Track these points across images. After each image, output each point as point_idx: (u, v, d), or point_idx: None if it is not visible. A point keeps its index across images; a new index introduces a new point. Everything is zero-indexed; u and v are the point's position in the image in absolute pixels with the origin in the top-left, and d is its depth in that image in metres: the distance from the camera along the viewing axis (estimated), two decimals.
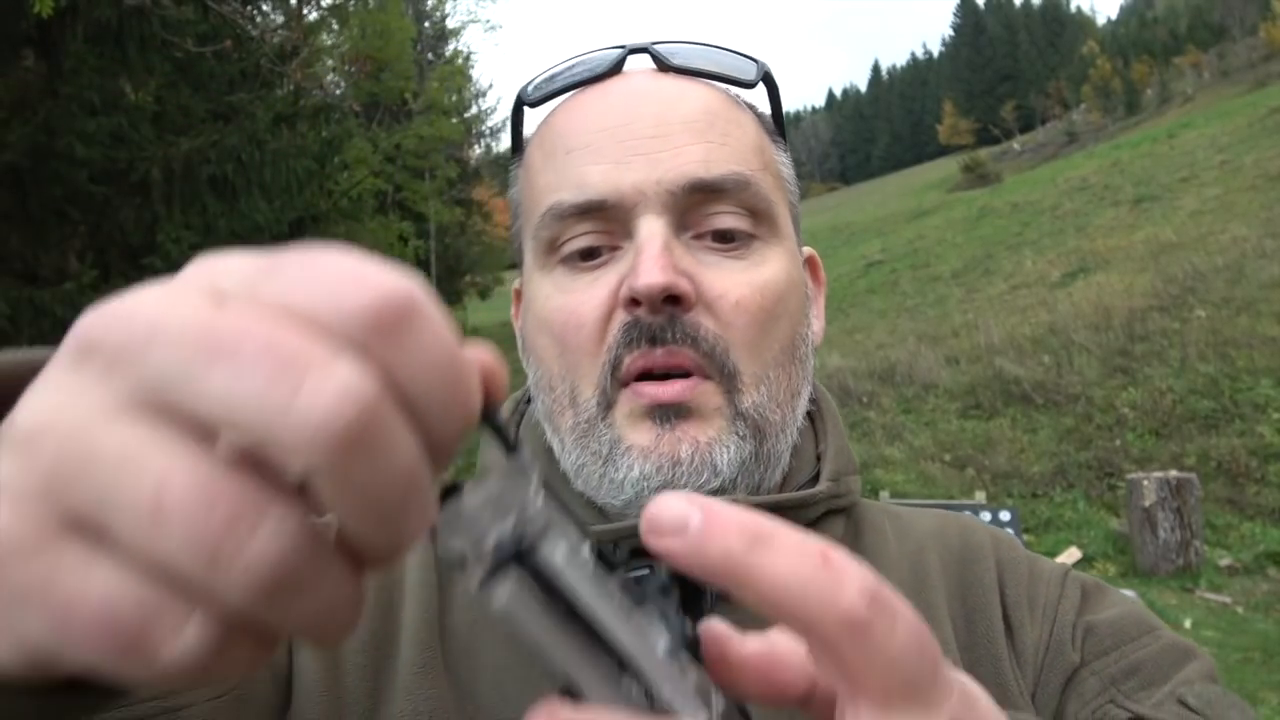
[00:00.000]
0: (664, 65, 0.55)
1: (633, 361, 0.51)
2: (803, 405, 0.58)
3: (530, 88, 0.58)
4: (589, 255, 0.53)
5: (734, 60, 0.57)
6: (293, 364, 0.18)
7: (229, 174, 8.87)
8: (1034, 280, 17.33)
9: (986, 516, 6.29)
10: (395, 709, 0.50)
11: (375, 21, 19.53)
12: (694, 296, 0.50)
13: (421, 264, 24.75)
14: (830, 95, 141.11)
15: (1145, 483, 6.38)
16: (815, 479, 0.59)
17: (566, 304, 0.53)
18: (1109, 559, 6.78)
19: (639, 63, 0.56)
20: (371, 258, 0.21)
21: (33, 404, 0.19)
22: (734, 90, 0.58)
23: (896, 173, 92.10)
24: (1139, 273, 13.73)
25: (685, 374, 0.51)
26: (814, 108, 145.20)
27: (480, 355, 0.23)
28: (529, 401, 0.64)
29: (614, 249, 0.52)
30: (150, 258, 7.87)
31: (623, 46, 0.57)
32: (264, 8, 14.40)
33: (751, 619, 0.50)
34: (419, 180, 24.84)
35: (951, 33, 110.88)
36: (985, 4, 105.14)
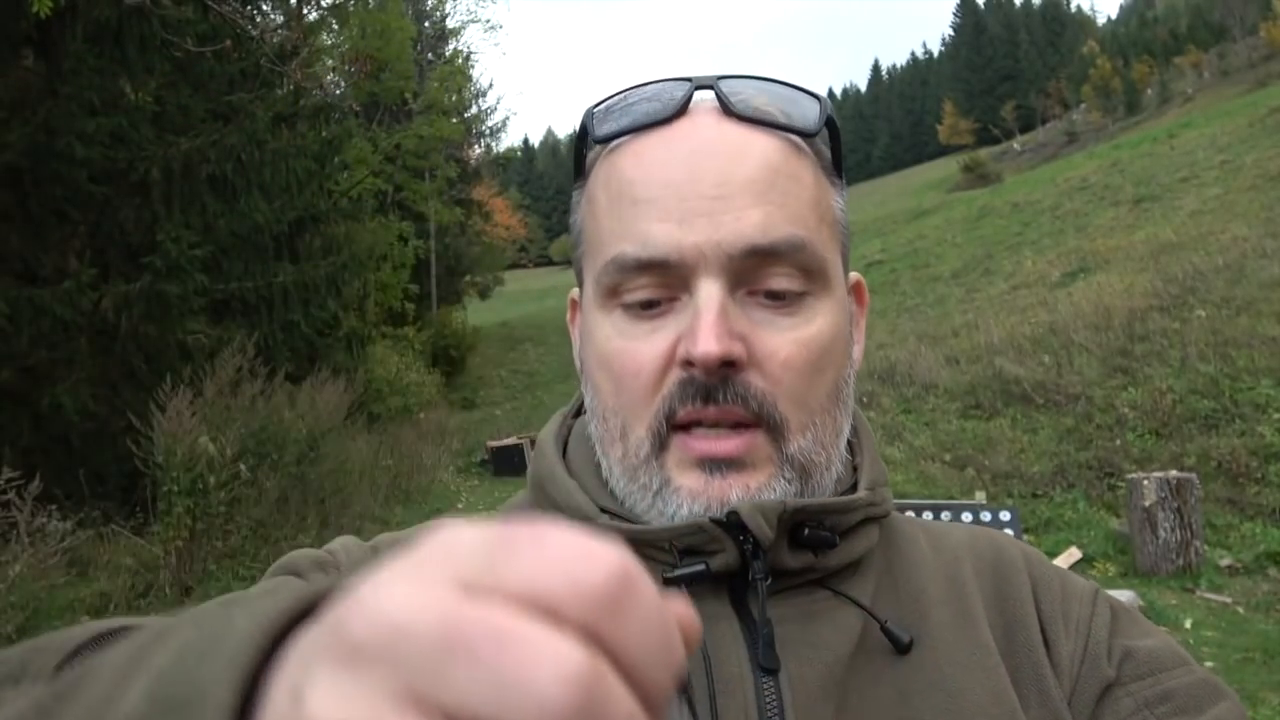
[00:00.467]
0: (728, 110, 0.56)
1: (686, 414, 0.54)
2: (844, 440, 0.60)
3: (597, 120, 0.59)
4: (648, 305, 0.55)
5: (798, 105, 0.58)
6: (530, 654, 0.21)
7: (229, 174, 8.88)
8: (1034, 280, 17.33)
9: (986, 516, 6.28)
10: None
11: (375, 21, 19.52)
12: (746, 359, 0.53)
13: (421, 264, 24.76)
14: (830, 95, 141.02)
15: (1145, 483, 6.37)
16: (853, 488, 0.61)
17: (625, 349, 0.56)
18: (1109, 559, 6.77)
19: (703, 98, 0.57)
20: (583, 532, 0.24)
21: (320, 700, 0.21)
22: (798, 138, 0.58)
23: (896, 173, 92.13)
24: (1139, 273, 13.73)
25: (734, 424, 0.54)
26: None
27: (679, 610, 0.25)
28: (576, 415, 0.68)
29: (672, 300, 0.55)
30: (150, 257, 7.86)
31: (689, 80, 0.57)
32: (264, 8, 14.40)
33: (803, 610, 0.56)
34: (419, 180, 24.82)
35: (951, 33, 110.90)
36: (985, 4, 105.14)
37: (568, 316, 0.68)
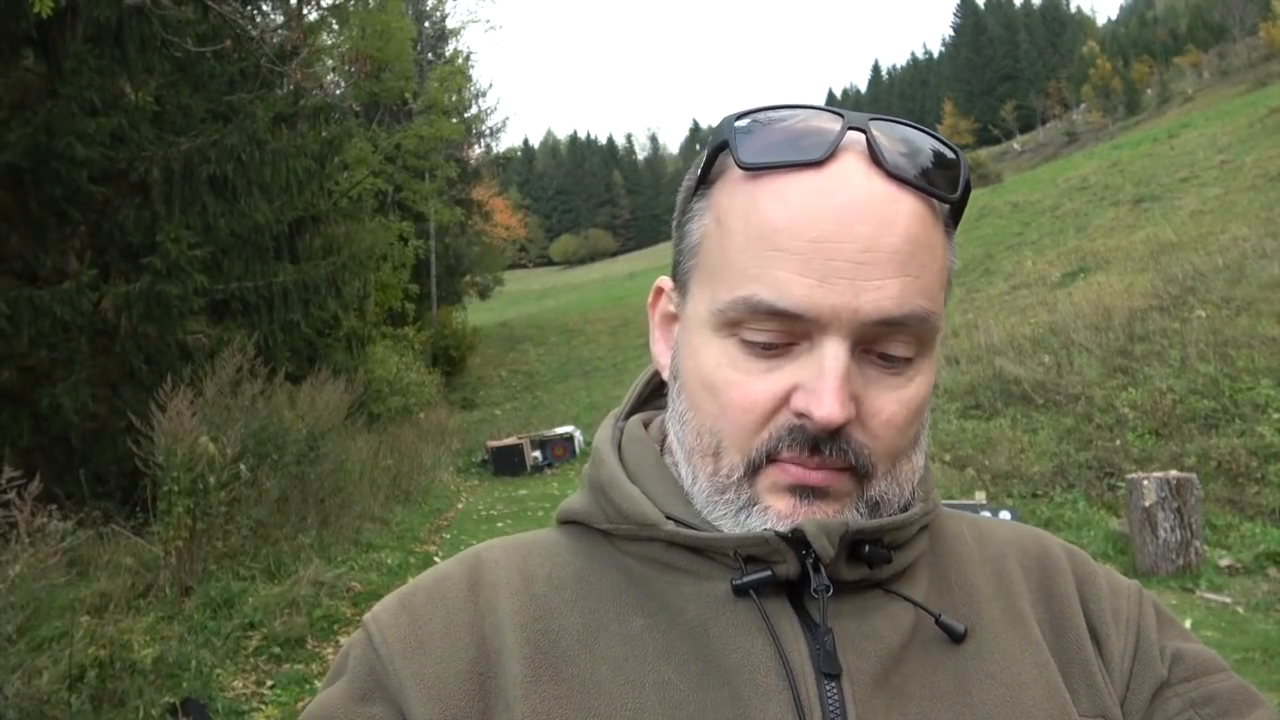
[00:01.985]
0: (878, 162, 0.56)
1: (788, 457, 0.56)
2: (918, 474, 0.62)
3: (739, 139, 0.58)
4: (768, 346, 0.56)
5: (945, 165, 0.58)
6: None
7: (229, 174, 8.87)
8: (1034, 280, 17.33)
9: (986, 517, 6.29)
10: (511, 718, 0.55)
11: (375, 21, 19.51)
12: (855, 418, 0.55)
13: (421, 264, 24.75)
14: (830, 95, 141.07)
15: (1145, 483, 6.37)
16: (910, 501, 0.63)
17: (739, 383, 0.57)
18: (1109, 559, 6.77)
19: (853, 139, 0.56)
20: None
21: None
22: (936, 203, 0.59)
23: None
24: (1139, 273, 13.73)
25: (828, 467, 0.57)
26: None
27: None
28: (628, 416, 0.70)
29: (790, 345, 0.56)
30: (150, 257, 7.86)
31: (840, 116, 0.57)
32: (264, 8, 14.41)
33: (857, 606, 0.59)
34: (419, 180, 24.83)
35: (951, 33, 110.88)
36: (985, 4, 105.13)
37: (649, 300, 0.68)
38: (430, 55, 28.57)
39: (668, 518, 0.60)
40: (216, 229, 9.16)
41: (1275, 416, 7.99)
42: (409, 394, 17.31)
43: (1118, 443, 8.53)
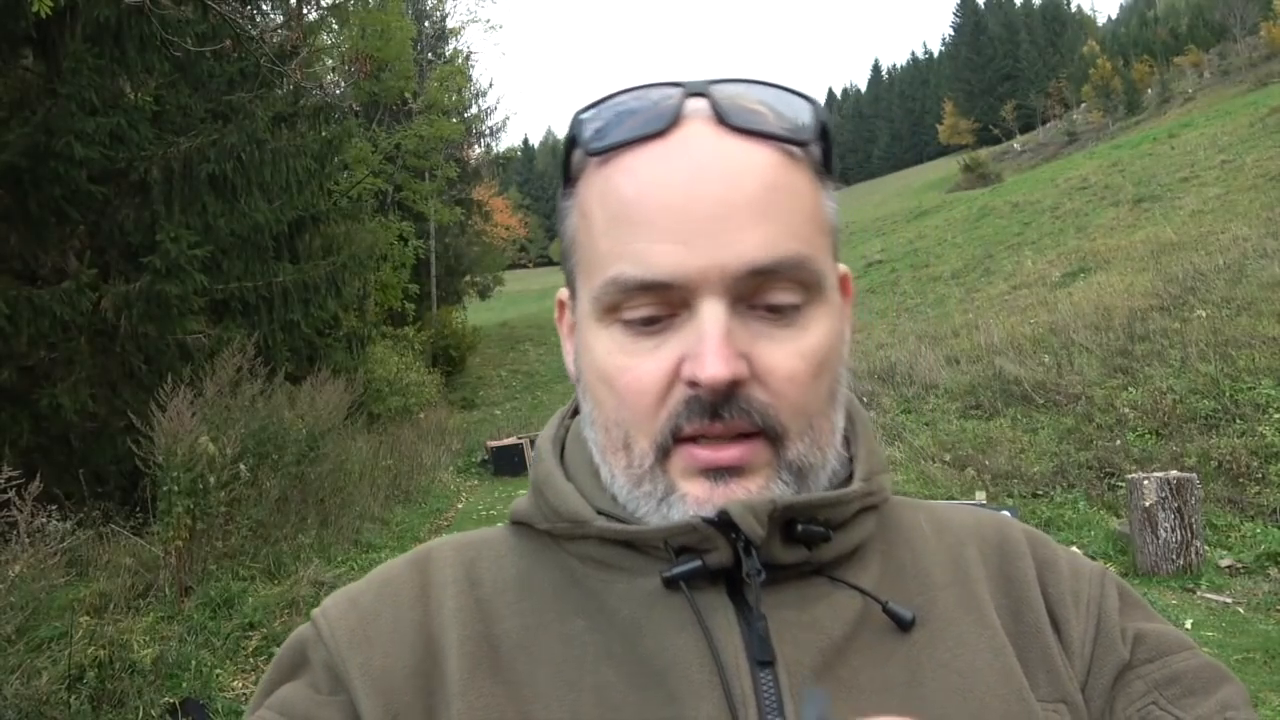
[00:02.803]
0: (723, 121, 0.55)
1: (692, 430, 0.54)
2: (839, 436, 0.61)
3: (585, 128, 0.58)
4: (648, 321, 0.55)
5: (793, 110, 0.57)
6: None
7: (229, 173, 8.86)
8: (1034, 280, 17.32)
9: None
10: (449, 718, 0.55)
11: (375, 21, 19.52)
12: (749, 376, 0.54)
13: (421, 264, 24.75)
14: (830, 95, 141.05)
15: (1145, 483, 6.36)
16: (849, 479, 0.62)
17: (628, 366, 0.56)
18: (1109, 559, 6.77)
19: (696, 106, 0.56)
20: None
21: None
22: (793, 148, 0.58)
23: (896, 173, 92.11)
24: (1139, 273, 13.72)
25: (736, 435, 0.55)
26: None
27: None
28: (574, 415, 0.68)
29: (672, 316, 0.55)
30: (150, 257, 7.86)
31: (679, 85, 0.57)
32: (264, 7, 14.40)
33: (799, 595, 0.58)
34: (419, 180, 24.82)
35: (951, 32, 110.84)
36: (985, 4, 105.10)
37: (556, 316, 0.68)
38: (430, 55, 28.55)
39: (599, 513, 0.59)
40: (216, 229, 9.16)
41: (1276, 416, 7.98)
42: (409, 394, 17.32)
43: (1118, 443, 8.52)
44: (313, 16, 16.87)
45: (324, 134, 11.84)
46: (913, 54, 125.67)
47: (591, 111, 0.58)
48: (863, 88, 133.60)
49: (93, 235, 8.39)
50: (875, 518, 0.62)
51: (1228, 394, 8.48)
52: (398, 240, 20.96)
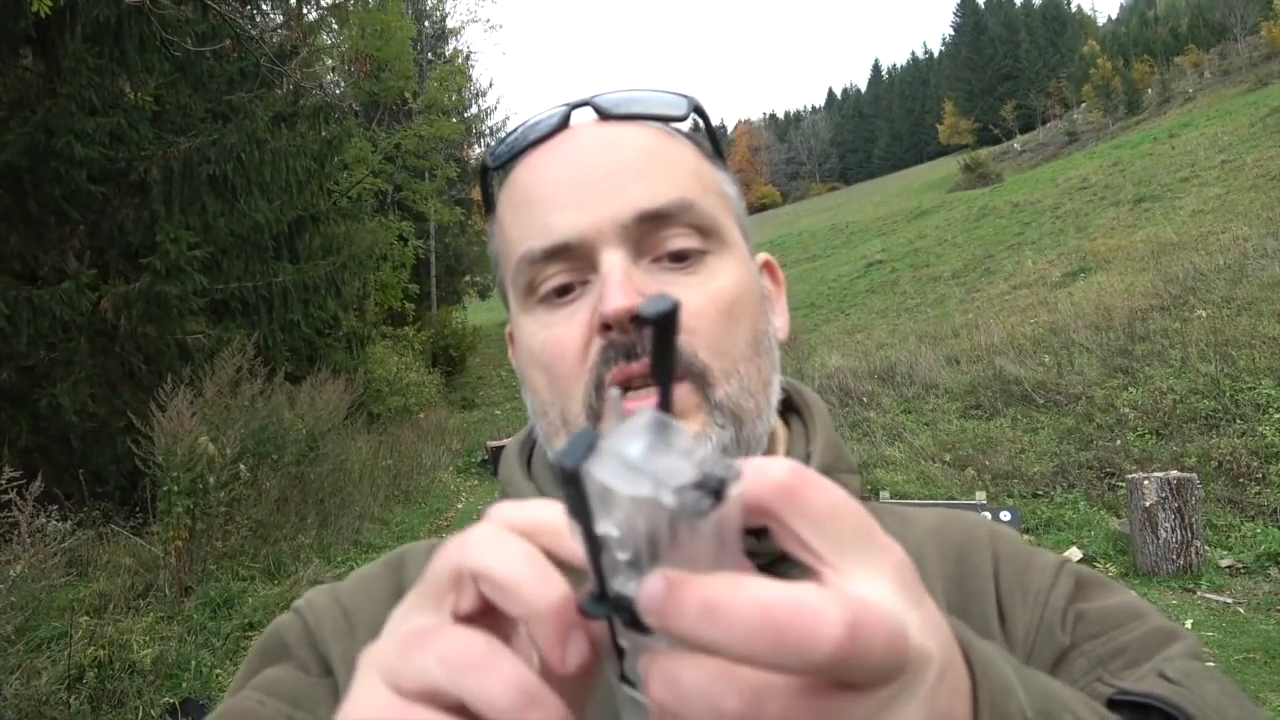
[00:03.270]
0: (603, 114, 0.61)
1: (612, 377, 0.56)
2: (775, 393, 0.62)
3: (492, 156, 0.64)
4: (563, 292, 0.59)
5: (665, 99, 0.63)
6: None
7: (228, 173, 8.86)
8: (1034, 280, 17.32)
9: (987, 516, 6.28)
10: None
11: (375, 21, 19.52)
12: None
13: (421, 264, 24.75)
14: (830, 95, 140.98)
15: (1146, 483, 6.36)
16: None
17: (550, 337, 0.59)
18: (1110, 559, 6.77)
19: (583, 116, 0.62)
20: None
21: None
22: (670, 126, 0.64)
23: (896, 173, 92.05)
24: (1139, 273, 13.72)
25: None
26: (814, 108, 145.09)
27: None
28: (535, 444, 0.71)
29: (584, 283, 0.58)
30: (150, 258, 7.86)
31: (567, 104, 0.63)
32: (264, 7, 14.39)
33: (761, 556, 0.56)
34: (419, 180, 24.81)
35: (952, 32, 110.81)
36: (985, 4, 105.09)
37: (509, 353, 0.71)
38: (430, 55, 28.55)
39: None
40: (216, 229, 9.15)
41: (1276, 416, 7.98)
42: (409, 394, 17.31)
43: (1118, 443, 8.52)
44: (313, 16, 16.86)
45: (324, 134, 11.84)
46: (913, 54, 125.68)
47: (496, 143, 0.65)
48: (863, 88, 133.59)
49: (93, 235, 8.38)
50: None
51: (1228, 394, 8.48)
52: (398, 240, 20.95)
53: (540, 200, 0.59)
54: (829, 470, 0.62)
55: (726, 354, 0.58)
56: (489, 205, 0.67)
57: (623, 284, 0.55)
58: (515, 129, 0.64)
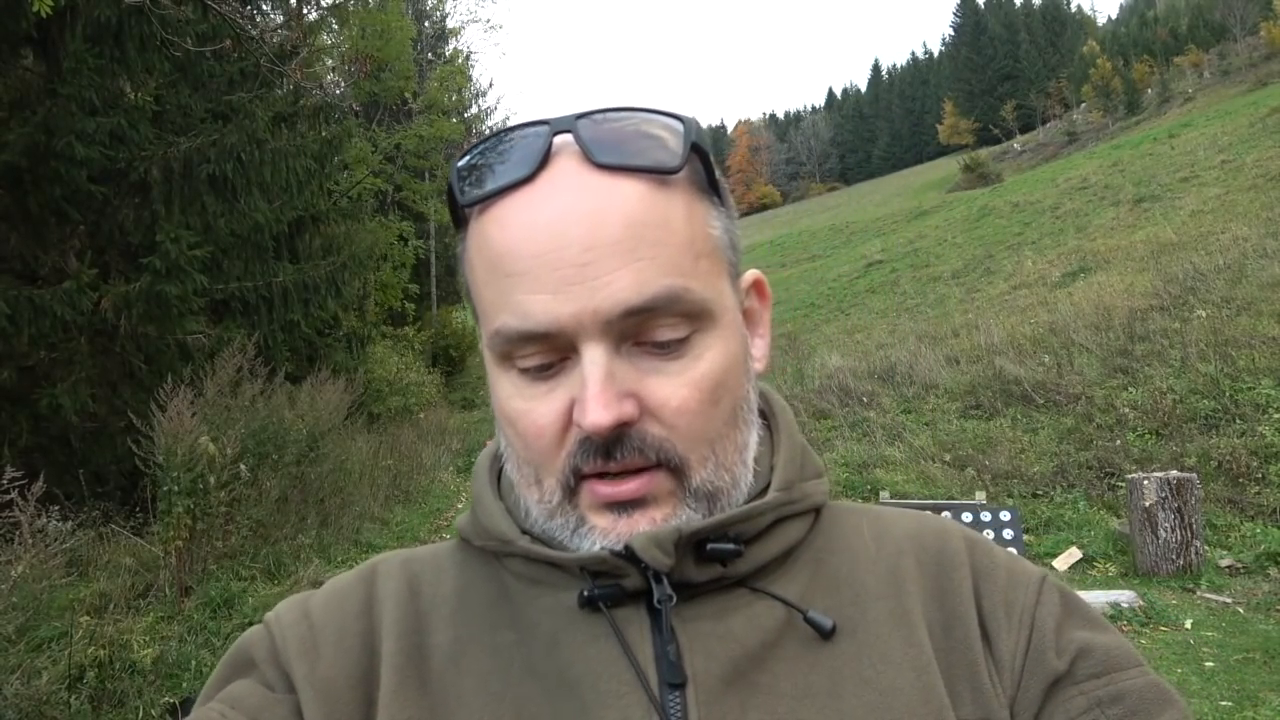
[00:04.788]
0: (590, 159, 0.55)
1: (589, 469, 0.55)
2: (750, 452, 0.61)
3: (460, 179, 0.59)
4: (541, 368, 0.56)
5: (660, 135, 0.57)
6: None
7: (229, 173, 8.86)
8: (1034, 280, 17.33)
9: (987, 517, 6.28)
10: None
11: (375, 21, 19.51)
12: (638, 414, 0.54)
13: (421, 264, 24.75)
14: (830, 95, 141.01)
15: (1145, 483, 6.37)
16: (768, 489, 0.62)
17: (526, 412, 0.57)
18: (1109, 559, 6.77)
19: (564, 143, 0.56)
20: None
21: None
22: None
23: (896, 173, 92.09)
24: (1139, 273, 13.73)
25: (637, 469, 0.56)
26: (814, 108, 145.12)
27: None
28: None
29: (563, 360, 0.56)
30: (150, 258, 7.86)
31: (545, 124, 0.57)
32: (264, 7, 14.40)
33: (718, 607, 0.58)
34: (419, 180, 24.81)
35: (951, 32, 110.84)
36: (985, 4, 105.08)
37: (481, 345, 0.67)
38: (430, 55, 28.56)
39: (525, 533, 0.61)
40: (216, 229, 9.16)
41: (1276, 416, 7.98)
42: (409, 394, 17.31)
43: (1118, 443, 8.52)
44: (313, 16, 16.86)
45: (324, 134, 11.83)
46: (913, 54, 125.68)
47: (465, 160, 0.60)
48: (863, 88, 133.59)
49: (93, 235, 8.38)
50: (803, 525, 0.63)
51: (1228, 394, 8.49)
52: (398, 240, 20.95)
53: (516, 274, 0.54)
54: (790, 483, 0.62)
55: (705, 439, 0.56)
56: (458, 222, 0.62)
57: (603, 394, 0.52)
58: (484, 147, 0.59)
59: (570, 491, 0.57)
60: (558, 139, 0.56)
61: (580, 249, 0.53)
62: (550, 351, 0.55)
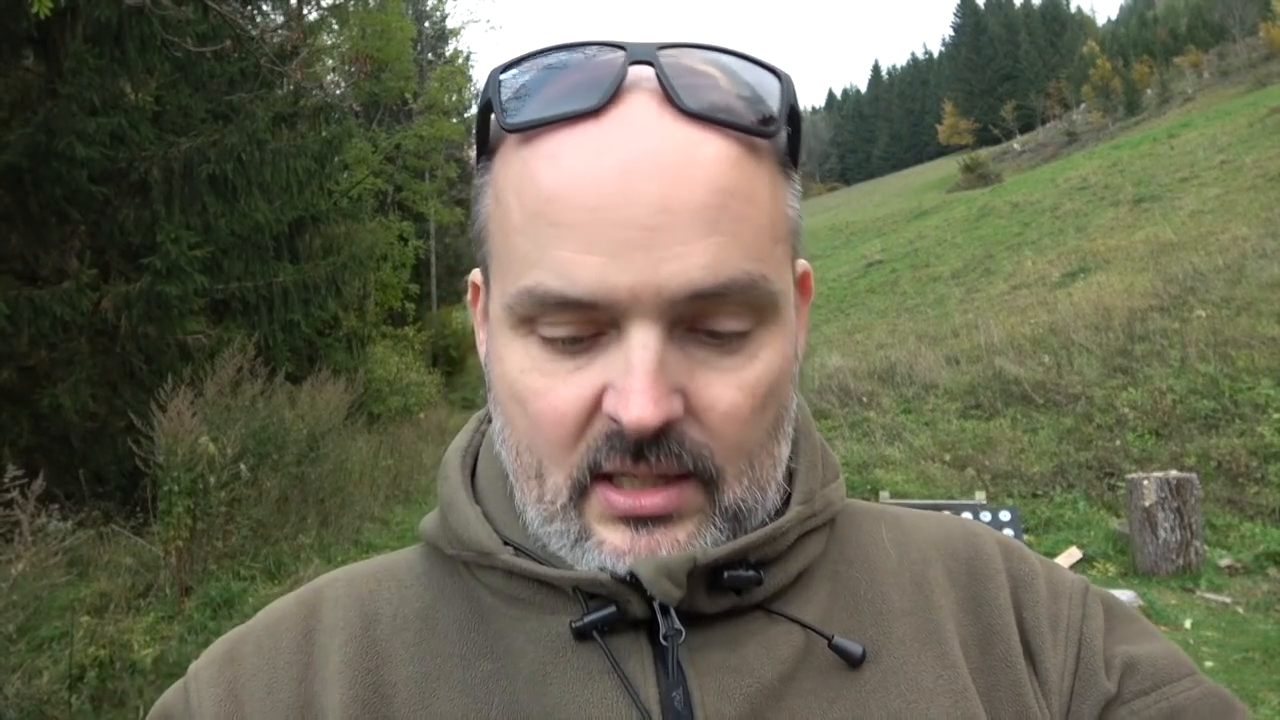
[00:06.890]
0: (672, 101, 0.45)
1: (610, 467, 0.47)
2: (783, 468, 0.53)
3: (505, 94, 0.48)
4: (570, 340, 0.47)
5: (759, 88, 0.48)
6: None
7: (229, 174, 8.86)
8: (1034, 280, 17.33)
9: (986, 516, 6.29)
10: None
11: (375, 21, 19.52)
12: (683, 413, 0.46)
13: (421, 264, 24.76)
14: (830, 95, 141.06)
15: (1145, 483, 6.37)
16: (788, 500, 0.55)
17: (545, 390, 0.47)
18: (1109, 559, 6.78)
19: (640, 75, 0.46)
20: None
21: None
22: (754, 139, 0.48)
23: (896, 173, 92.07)
24: (1139, 273, 13.73)
25: (665, 476, 0.48)
26: (814, 108, 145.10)
27: None
28: (490, 420, 0.57)
29: (597, 335, 0.47)
30: (150, 258, 7.87)
31: (621, 49, 0.46)
32: (264, 8, 14.41)
33: (729, 634, 0.51)
34: (419, 180, 24.83)
35: (951, 33, 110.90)
36: (985, 4, 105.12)
37: (469, 298, 0.59)
38: (430, 55, 28.57)
39: (506, 543, 0.52)
40: (216, 229, 9.16)
41: (1275, 416, 7.99)
42: (409, 394, 17.31)
43: (1118, 443, 8.53)
44: (313, 16, 16.88)
45: (324, 134, 11.84)
46: (912, 54, 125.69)
47: (514, 72, 0.48)
48: (863, 88, 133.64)
49: (93, 235, 8.39)
50: (823, 538, 0.56)
51: (1227, 394, 8.49)
52: (398, 240, 20.96)
53: (565, 226, 0.45)
54: (812, 492, 0.55)
55: (745, 451, 0.49)
56: (483, 148, 0.51)
57: (653, 388, 0.44)
58: (539, 60, 0.48)
59: (579, 494, 0.48)
60: (634, 70, 0.46)
61: (652, 209, 0.44)
62: (586, 324, 0.46)
